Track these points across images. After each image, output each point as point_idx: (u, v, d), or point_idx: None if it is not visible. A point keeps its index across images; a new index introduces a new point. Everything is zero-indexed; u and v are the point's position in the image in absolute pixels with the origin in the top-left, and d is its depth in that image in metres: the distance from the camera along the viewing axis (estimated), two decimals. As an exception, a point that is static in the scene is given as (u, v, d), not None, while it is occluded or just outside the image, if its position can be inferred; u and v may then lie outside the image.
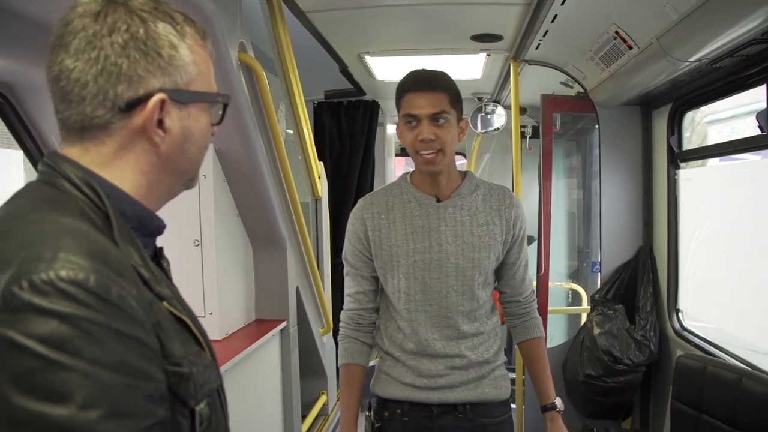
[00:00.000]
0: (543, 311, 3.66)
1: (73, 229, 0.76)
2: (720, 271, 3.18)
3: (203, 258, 2.49)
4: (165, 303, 0.83)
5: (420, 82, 1.85)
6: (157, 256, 0.97)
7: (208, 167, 2.46)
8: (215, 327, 2.50)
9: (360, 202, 2.03)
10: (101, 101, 0.85)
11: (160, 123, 0.87)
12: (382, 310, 2.03)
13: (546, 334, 2.50)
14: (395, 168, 7.04)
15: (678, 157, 3.36)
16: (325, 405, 3.77)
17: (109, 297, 0.71)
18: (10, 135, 2.49)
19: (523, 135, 5.24)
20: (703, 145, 3.86)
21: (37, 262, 0.69)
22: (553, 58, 3.57)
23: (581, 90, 3.70)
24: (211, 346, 0.94)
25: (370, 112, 4.86)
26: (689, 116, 3.42)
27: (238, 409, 1.99)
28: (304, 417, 3.38)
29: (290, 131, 3.57)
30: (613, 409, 3.58)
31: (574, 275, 5.60)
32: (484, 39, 3.31)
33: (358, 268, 2.01)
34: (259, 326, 2.85)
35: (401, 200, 1.95)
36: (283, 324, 2.94)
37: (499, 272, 2.03)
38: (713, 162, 3.42)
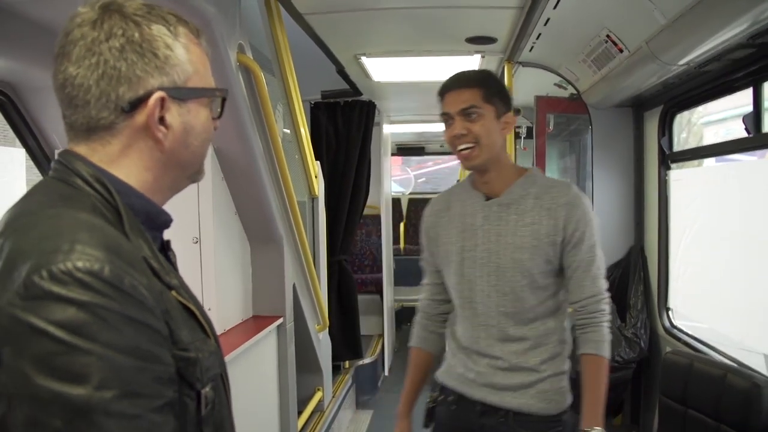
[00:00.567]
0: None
1: (88, 223, 0.81)
2: (709, 270, 3.23)
3: (202, 255, 2.53)
4: (173, 292, 0.88)
5: (453, 81, 1.88)
6: (165, 248, 1.02)
7: (207, 166, 2.50)
8: (213, 322, 2.54)
9: (431, 201, 2.09)
10: (105, 103, 0.89)
11: (162, 120, 0.91)
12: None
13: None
14: (391, 167, 7.10)
15: (669, 158, 3.42)
16: (320, 401, 3.82)
17: (122, 286, 0.76)
18: (10, 133, 2.53)
19: (517, 135, 5.31)
20: (700, 145, 3.92)
21: (56, 253, 0.74)
22: (546, 60, 3.62)
23: (574, 92, 3.76)
24: (216, 334, 0.99)
25: (367, 112, 4.92)
26: (686, 118, 3.48)
27: (236, 403, 2.04)
28: (300, 413, 3.43)
29: (287, 131, 3.62)
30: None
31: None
32: (479, 41, 3.37)
33: (428, 262, 2.06)
34: (256, 322, 2.89)
35: (459, 198, 1.97)
36: (280, 320, 2.99)
37: (564, 276, 1.88)
38: (709, 162, 3.47)
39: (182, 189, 1.03)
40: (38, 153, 2.61)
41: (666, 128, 3.41)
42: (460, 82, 1.86)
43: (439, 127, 6.93)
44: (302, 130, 3.37)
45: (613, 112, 3.72)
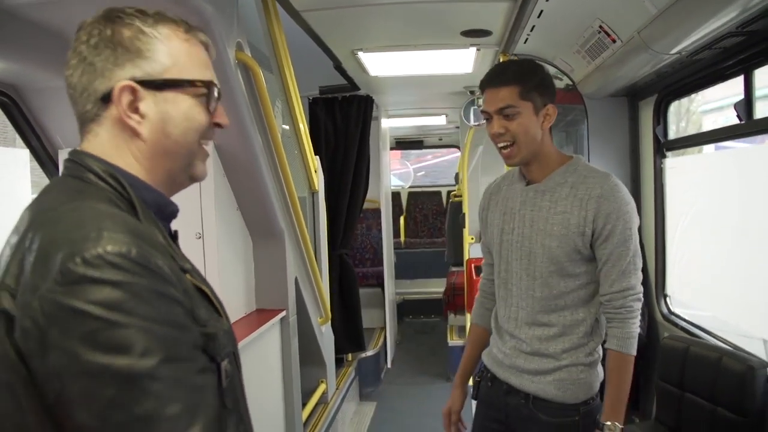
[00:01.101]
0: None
1: (108, 212, 0.88)
2: (706, 257, 3.27)
3: (205, 250, 2.57)
4: (188, 275, 0.95)
5: (491, 77, 1.88)
6: (173, 238, 1.07)
7: (209, 163, 2.54)
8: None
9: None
10: (87, 97, 0.97)
11: (137, 109, 0.97)
12: None
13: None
14: (390, 161, 7.14)
15: (664, 146, 3.46)
16: (324, 393, 3.87)
17: (150, 265, 0.83)
18: (9, 133, 2.56)
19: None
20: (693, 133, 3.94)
21: (86, 241, 0.81)
22: (541, 51, 3.65)
23: (570, 82, 3.79)
24: (227, 315, 1.06)
25: (365, 106, 4.95)
26: (684, 106, 3.51)
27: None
28: (304, 405, 3.48)
29: (287, 127, 3.66)
30: (603, 392, 3.67)
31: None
32: (474, 34, 3.40)
33: (483, 243, 2.13)
34: (259, 315, 2.94)
35: (508, 183, 2.03)
36: (283, 313, 3.03)
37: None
38: (709, 150, 3.49)
39: (182, 186, 1.08)
40: (42, 154, 2.65)
41: (661, 117, 3.44)
42: (498, 79, 1.86)
43: (437, 120, 7.02)
44: (301, 125, 3.41)
45: (608, 102, 3.75)
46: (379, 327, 5.98)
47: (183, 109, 1.00)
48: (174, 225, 1.08)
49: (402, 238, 8.48)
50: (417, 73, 4.27)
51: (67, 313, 0.78)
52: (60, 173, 1.00)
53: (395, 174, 9.37)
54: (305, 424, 3.45)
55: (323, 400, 3.88)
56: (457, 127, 6.93)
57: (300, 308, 3.31)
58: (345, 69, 4.18)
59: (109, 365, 0.77)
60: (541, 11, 2.90)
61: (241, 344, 2.48)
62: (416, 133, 8.54)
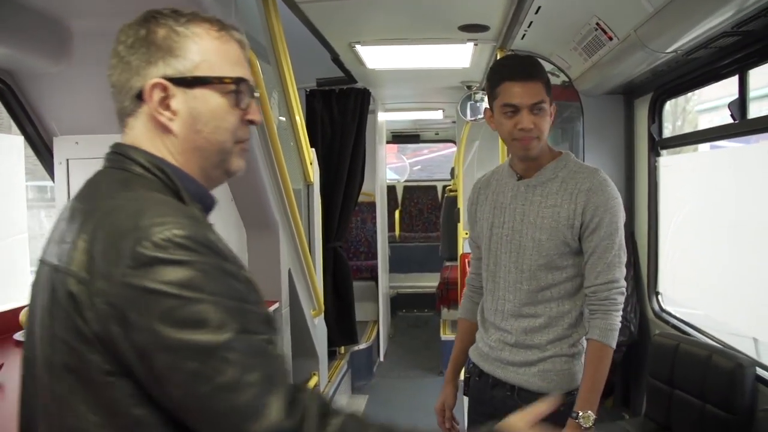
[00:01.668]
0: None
1: (165, 199, 0.94)
2: (699, 255, 3.29)
3: (199, 240, 2.57)
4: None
5: (519, 71, 1.87)
6: None
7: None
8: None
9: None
10: (125, 93, 1.01)
11: (168, 106, 1.00)
12: None
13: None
14: (386, 155, 7.14)
15: (658, 144, 3.47)
16: (316, 385, 3.87)
17: (213, 245, 0.89)
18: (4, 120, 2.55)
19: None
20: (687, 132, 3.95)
21: (152, 226, 0.85)
22: (538, 48, 3.66)
23: (566, 79, 3.80)
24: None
25: (361, 99, 4.95)
26: (681, 105, 3.52)
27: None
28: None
29: (283, 118, 3.65)
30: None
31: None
32: (471, 29, 3.40)
33: (471, 237, 2.14)
34: (252, 307, 2.93)
35: (498, 177, 2.05)
36: (276, 305, 3.04)
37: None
38: (704, 148, 3.51)
39: (219, 181, 1.10)
40: (37, 141, 2.65)
41: (656, 115, 3.45)
42: (528, 73, 1.85)
43: (434, 114, 7.00)
44: (297, 117, 3.41)
45: (604, 100, 3.77)
46: (372, 320, 6.00)
47: (211, 106, 1.02)
48: None
49: (397, 232, 8.49)
50: (414, 67, 4.27)
51: (143, 294, 0.83)
52: (103, 165, 1.03)
53: (391, 168, 9.37)
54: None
55: (315, 393, 3.89)
56: (454, 122, 6.94)
57: (293, 300, 3.31)
58: (342, 62, 4.18)
59: (188, 340, 0.83)
60: (539, 7, 2.91)
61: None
62: (413, 127, 8.54)
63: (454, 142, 7.62)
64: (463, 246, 4.76)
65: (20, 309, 2.42)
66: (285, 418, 0.86)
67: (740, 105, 2.52)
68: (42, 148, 2.67)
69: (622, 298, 1.86)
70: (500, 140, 3.70)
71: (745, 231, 2.81)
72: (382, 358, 5.77)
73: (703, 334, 2.96)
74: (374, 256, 6.05)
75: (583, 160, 3.84)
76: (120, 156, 1.01)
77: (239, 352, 0.85)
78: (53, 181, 2.70)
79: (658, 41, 2.56)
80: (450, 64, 4.26)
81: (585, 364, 1.86)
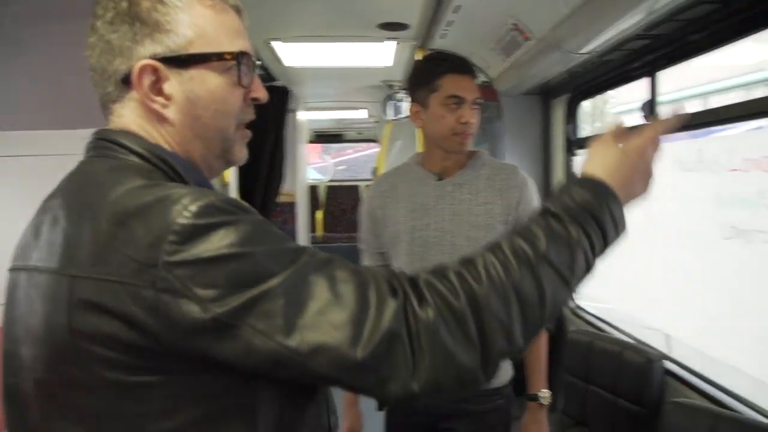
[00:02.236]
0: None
1: (176, 184, 0.85)
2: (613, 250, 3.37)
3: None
4: None
5: (462, 65, 1.88)
6: None
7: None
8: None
9: (373, 182, 2.10)
10: (108, 78, 0.89)
11: (161, 90, 0.88)
12: None
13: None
14: (309, 155, 7.04)
15: (574, 144, 3.54)
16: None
17: (243, 207, 0.83)
18: None
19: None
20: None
21: (182, 199, 0.78)
22: (458, 47, 3.65)
23: (486, 79, 3.83)
24: None
25: (281, 97, 4.85)
26: (599, 107, 3.60)
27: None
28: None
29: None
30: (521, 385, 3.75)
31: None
32: (391, 27, 3.37)
33: (369, 244, 2.08)
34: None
35: (406, 179, 2.00)
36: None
37: None
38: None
39: (218, 171, 1.01)
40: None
41: (572, 115, 3.52)
42: (470, 68, 1.90)
43: (358, 114, 6.96)
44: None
45: (522, 100, 3.81)
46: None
47: (210, 88, 0.90)
48: None
49: (319, 233, 8.41)
50: (334, 65, 4.21)
51: (201, 265, 0.76)
52: (86, 156, 0.91)
53: (315, 168, 9.28)
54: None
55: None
56: (377, 122, 6.92)
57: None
58: (260, 59, 4.07)
59: (264, 292, 0.77)
60: (459, 6, 2.89)
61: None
62: (336, 126, 8.47)
63: (376, 141, 7.60)
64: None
65: None
66: (392, 298, 0.85)
67: (650, 106, 2.59)
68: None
69: None
70: (419, 139, 3.70)
71: (655, 228, 2.90)
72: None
73: (617, 330, 3.03)
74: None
75: (504, 159, 3.91)
76: (108, 143, 0.88)
77: (313, 272, 0.81)
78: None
79: (572, 42, 2.60)
80: (372, 63, 4.22)
81: (528, 349, 1.97)
